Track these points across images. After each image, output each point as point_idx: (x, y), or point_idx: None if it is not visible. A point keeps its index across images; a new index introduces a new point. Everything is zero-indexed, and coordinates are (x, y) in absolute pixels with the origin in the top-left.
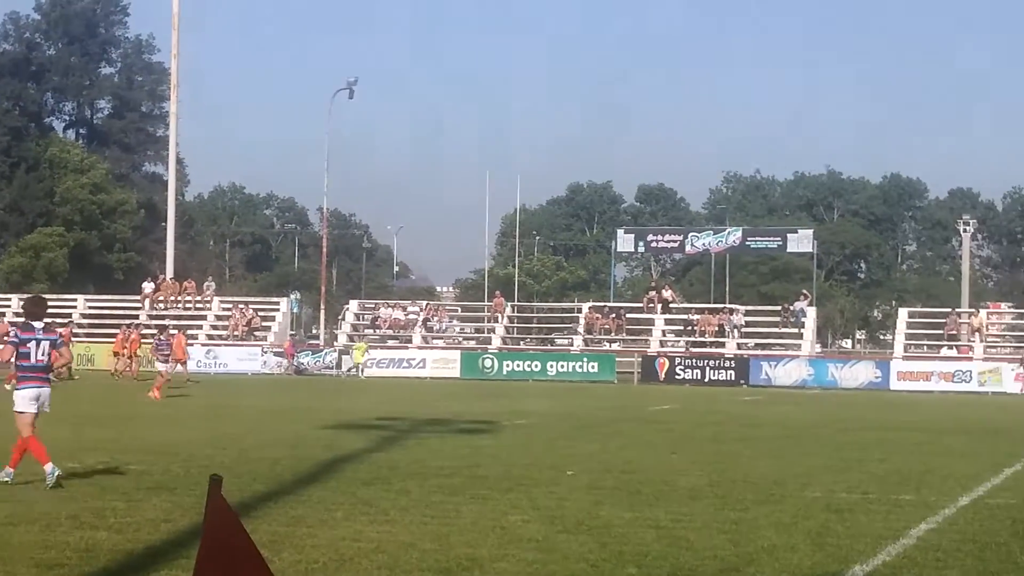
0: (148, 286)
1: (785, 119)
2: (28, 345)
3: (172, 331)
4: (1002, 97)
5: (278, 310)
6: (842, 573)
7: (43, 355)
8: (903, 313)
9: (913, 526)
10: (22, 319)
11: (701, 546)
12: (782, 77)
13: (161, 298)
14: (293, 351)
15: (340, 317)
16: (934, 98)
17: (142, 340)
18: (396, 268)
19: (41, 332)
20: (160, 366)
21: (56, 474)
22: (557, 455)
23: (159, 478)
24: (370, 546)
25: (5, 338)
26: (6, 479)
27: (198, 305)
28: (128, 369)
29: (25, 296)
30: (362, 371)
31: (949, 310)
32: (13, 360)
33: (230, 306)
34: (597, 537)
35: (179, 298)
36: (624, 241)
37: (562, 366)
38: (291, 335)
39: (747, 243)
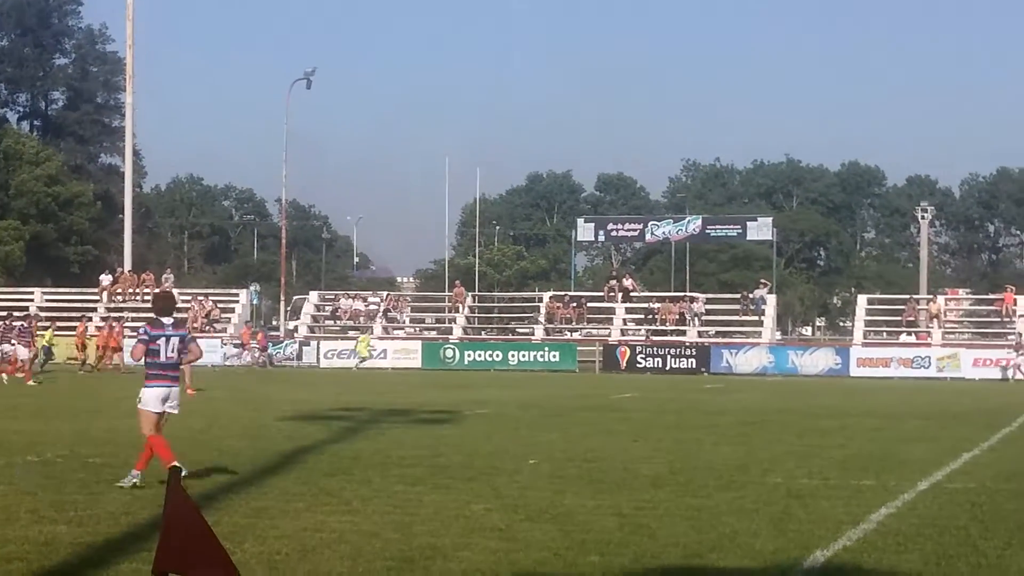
0: (106, 278)
1: (744, 107)
2: (158, 342)
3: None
4: (959, 84)
5: (237, 302)
6: (804, 558)
7: (172, 352)
8: (862, 300)
9: (873, 511)
10: (156, 315)
11: (663, 533)
12: (740, 65)
13: (119, 291)
14: (266, 343)
15: (289, 307)
16: (892, 85)
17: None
18: (356, 259)
19: (171, 328)
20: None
21: (135, 480)
22: (519, 444)
23: (119, 471)
24: (333, 536)
25: (135, 335)
26: (135, 481)
27: None
28: (109, 363)
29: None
30: (362, 362)
31: (908, 297)
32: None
33: (189, 298)
34: (560, 525)
35: (137, 290)
36: (584, 230)
37: (523, 355)
38: (263, 327)
39: (707, 231)
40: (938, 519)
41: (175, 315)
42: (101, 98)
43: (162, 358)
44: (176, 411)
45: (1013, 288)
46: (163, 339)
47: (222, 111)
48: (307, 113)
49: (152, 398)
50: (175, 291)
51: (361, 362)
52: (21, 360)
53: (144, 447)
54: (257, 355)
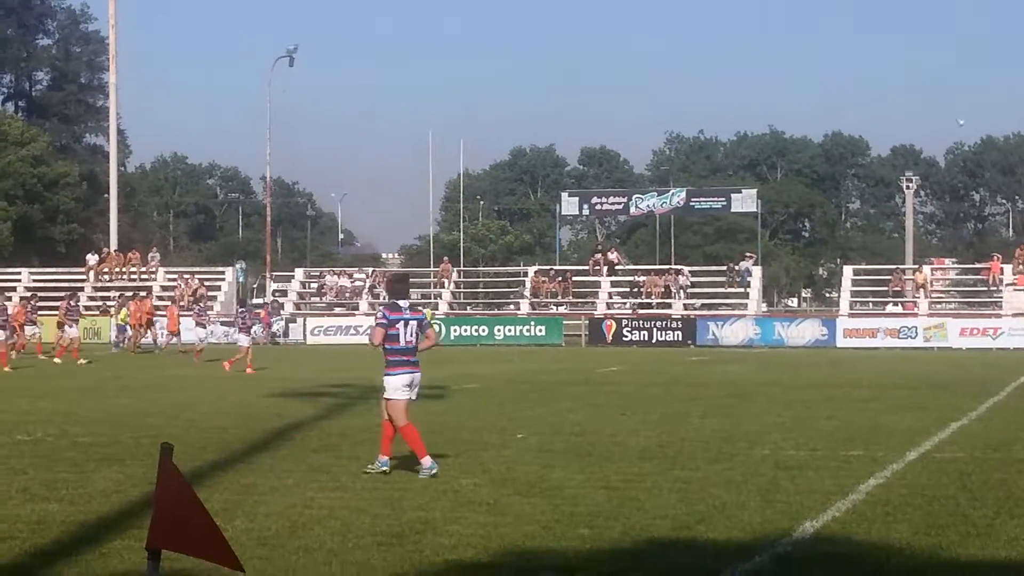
0: (92, 258)
1: (727, 79)
2: (397, 327)
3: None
4: (943, 53)
5: (224, 279)
6: (792, 529)
7: (411, 336)
8: (848, 271)
9: (862, 481)
10: (391, 298)
11: (652, 506)
12: (723, 37)
13: (106, 270)
14: (269, 319)
15: (255, 284)
16: (875, 55)
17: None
18: (341, 236)
19: (408, 311)
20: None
21: (434, 471)
22: (506, 419)
23: (109, 449)
24: (322, 512)
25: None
26: (384, 468)
27: (143, 276)
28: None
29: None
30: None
31: (893, 267)
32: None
33: (175, 276)
34: (548, 499)
35: (124, 270)
36: (568, 204)
37: (509, 330)
38: (265, 303)
39: (691, 204)
40: (927, 489)
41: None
42: (85, 78)
43: (401, 343)
44: (416, 397)
45: (999, 257)
46: (402, 323)
47: (206, 90)
48: (290, 90)
49: (397, 386)
50: (161, 270)
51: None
52: (71, 338)
53: (406, 436)
54: (262, 332)
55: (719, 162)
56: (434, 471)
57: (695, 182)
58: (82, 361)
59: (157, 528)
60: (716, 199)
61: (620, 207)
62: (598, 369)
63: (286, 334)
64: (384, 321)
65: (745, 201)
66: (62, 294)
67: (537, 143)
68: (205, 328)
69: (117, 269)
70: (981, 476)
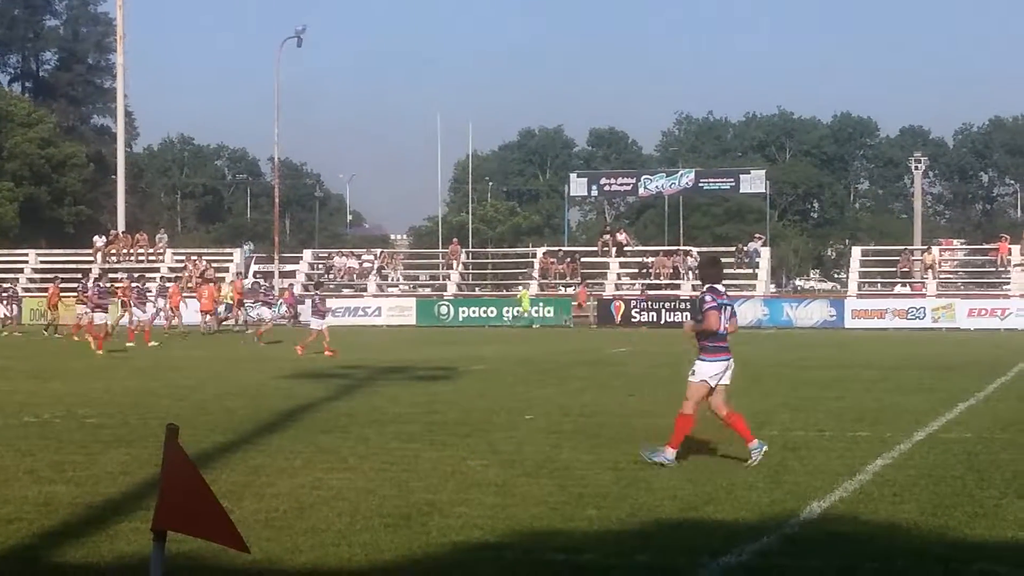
0: (100, 240)
1: (737, 60)
2: (721, 311)
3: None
4: (951, 33)
5: (232, 261)
6: (800, 510)
7: (727, 322)
8: (856, 251)
9: (869, 462)
10: (707, 282)
11: (660, 486)
12: (732, 18)
13: (113, 251)
14: (293, 300)
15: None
16: (884, 36)
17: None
18: (349, 217)
19: (725, 296)
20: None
21: (763, 449)
22: (515, 400)
23: (117, 431)
24: (330, 493)
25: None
26: (763, 449)
27: (151, 257)
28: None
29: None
30: (532, 320)
31: (902, 248)
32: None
33: (183, 258)
34: (556, 480)
35: (131, 251)
36: (577, 185)
37: (518, 311)
38: (289, 284)
39: (700, 185)
40: (934, 469)
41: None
42: (92, 59)
43: (720, 328)
44: (729, 382)
45: (1007, 238)
46: (723, 307)
47: (213, 71)
48: (299, 71)
49: (711, 372)
50: (169, 251)
51: (520, 317)
52: (140, 320)
53: (679, 423)
54: (284, 310)
55: (728, 143)
56: (668, 462)
57: (704, 163)
58: (153, 343)
59: (163, 510)
60: (725, 180)
61: (629, 188)
62: (606, 350)
63: (296, 316)
64: (716, 304)
65: (754, 182)
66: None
67: (546, 124)
68: (270, 308)
69: (125, 250)
70: (988, 457)
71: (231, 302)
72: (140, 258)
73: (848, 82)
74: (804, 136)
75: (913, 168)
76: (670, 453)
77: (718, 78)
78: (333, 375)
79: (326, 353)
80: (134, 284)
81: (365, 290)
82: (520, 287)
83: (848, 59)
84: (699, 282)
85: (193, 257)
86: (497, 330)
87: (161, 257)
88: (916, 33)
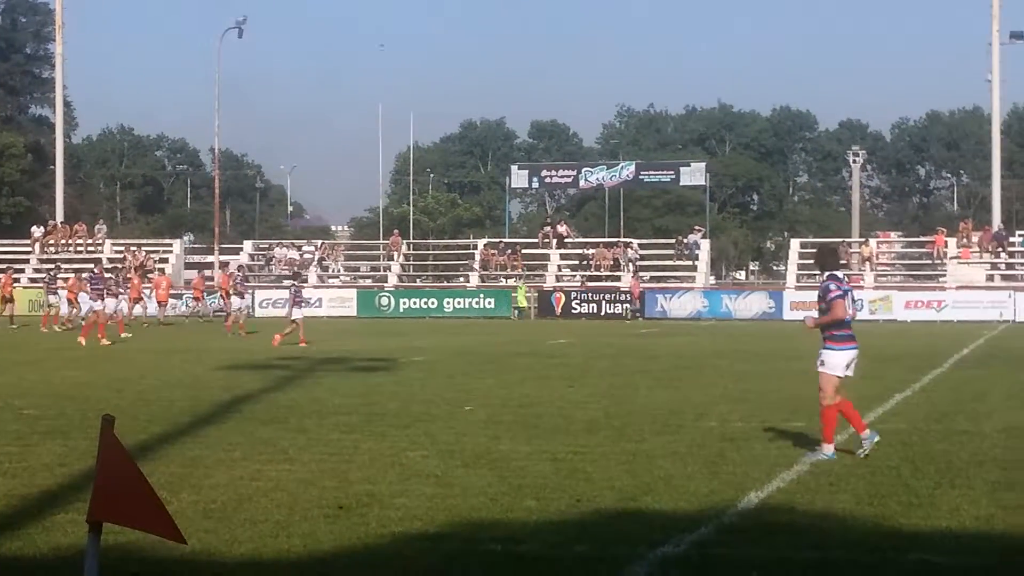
0: (38, 230)
1: (677, 53)
2: (846, 298)
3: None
4: (889, 28)
5: (171, 252)
6: (738, 500)
7: (851, 309)
8: (795, 244)
9: (807, 452)
10: (827, 270)
11: (599, 477)
12: (673, 11)
13: (52, 242)
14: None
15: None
16: (822, 30)
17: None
18: (290, 208)
19: (846, 283)
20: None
21: (875, 439)
22: (455, 391)
23: (54, 422)
24: (269, 485)
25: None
26: (874, 440)
27: (89, 248)
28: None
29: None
30: (530, 314)
31: (840, 240)
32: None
33: (122, 249)
34: (496, 471)
35: (70, 241)
36: (518, 177)
37: (459, 303)
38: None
39: (640, 177)
40: (870, 460)
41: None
42: (31, 49)
43: (847, 316)
44: (853, 374)
45: (944, 231)
46: (845, 295)
47: (154, 61)
48: (239, 62)
49: (841, 363)
50: (108, 242)
51: (520, 314)
52: (237, 309)
53: (825, 416)
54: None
55: (668, 136)
56: (830, 456)
57: (644, 155)
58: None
59: (98, 501)
60: (665, 172)
61: (570, 180)
62: (547, 341)
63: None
64: (840, 292)
65: (694, 174)
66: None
67: (487, 116)
68: (243, 297)
69: (63, 241)
70: (923, 447)
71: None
72: (79, 249)
73: (787, 76)
74: (744, 129)
75: (851, 161)
76: (828, 449)
77: (659, 71)
78: (272, 366)
79: (301, 344)
80: (108, 275)
81: (306, 281)
82: (516, 281)
83: (787, 53)
84: (818, 272)
85: (132, 248)
86: (438, 321)
87: (100, 248)
88: (854, 27)
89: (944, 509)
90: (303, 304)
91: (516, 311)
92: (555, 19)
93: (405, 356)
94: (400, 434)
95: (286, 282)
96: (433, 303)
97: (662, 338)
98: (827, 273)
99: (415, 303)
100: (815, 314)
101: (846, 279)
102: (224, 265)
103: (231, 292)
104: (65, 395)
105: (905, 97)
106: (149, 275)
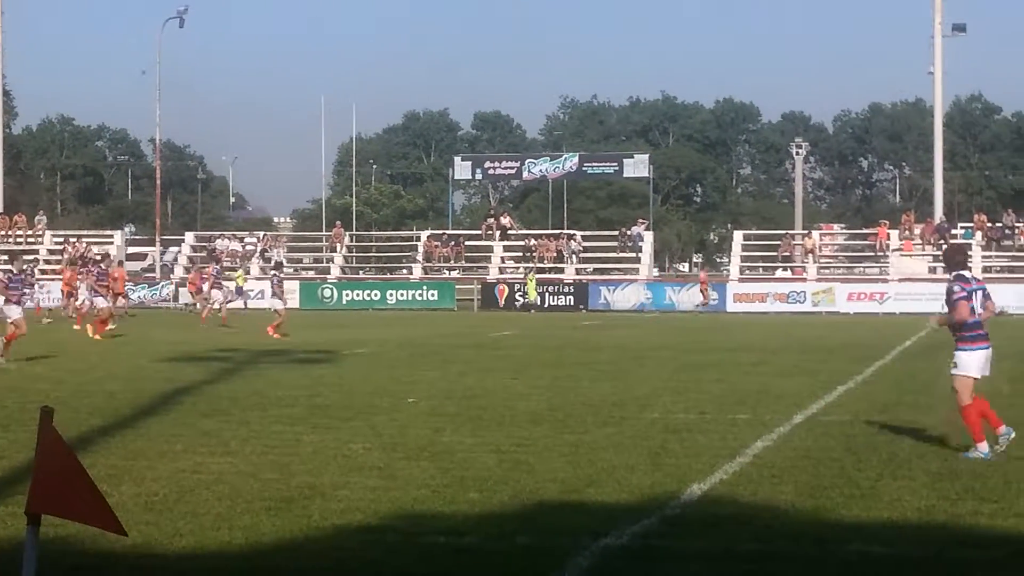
0: None
1: (620, 44)
2: (971, 299)
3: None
4: (832, 21)
5: (112, 243)
6: (681, 491)
7: (981, 308)
8: (738, 236)
9: (749, 444)
10: (954, 270)
11: (542, 469)
12: (617, 2)
13: None
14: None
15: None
16: (764, 22)
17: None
18: (232, 199)
19: (975, 281)
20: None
21: (1011, 435)
22: (398, 383)
23: None
24: (211, 477)
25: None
26: (982, 455)
27: (29, 239)
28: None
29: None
30: (536, 303)
31: (783, 232)
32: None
33: (61, 240)
34: (439, 463)
35: (10, 232)
36: (461, 168)
37: (402, 295)
38: (203, 267)
39: (584, 169)
40: (813, 451)
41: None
42: None
43: (972, 317)
44: (988, 373)
45: (887, 223)
46: (975, 294)
47: (94, 50)
48: (181, 52)
49: (976, 363)
50: (48, 233)
51: (527, 302)
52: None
53: (968, 417)
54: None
55: (612, 127)
56: (986, 455)
57: (588, 147)
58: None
59: (37, 493)
60: (608, 164)
61: (513, 172)
62: (490, 333)
63: (176, 298)
64: (965, 294)
65: (637, 166)
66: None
67: (431, 107)
68: (221, 291)
69: (2, 232)
70: (866, 439)
71: (241, 284)
72: (19, 240)
73: (730, 68)
74: (687, 121)
75: (794, 153)
76: (983, 447)
77: (602, 62)
78: (214, 358)
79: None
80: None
81: (248, 273)
82: (527, 272)
83: (730, 45)
84: (945, 271)
85: (72, 239)
86: (381, 313)
87: (40, 239)
88: (796, 19)
89: (886, 500)
90: (284, 295)
91: (526, 301)
92: (499, 10)
93: (348, 348)
94: (343, 426)
95: (270, 272)
96: (376, 295)
97: (605, 330)
98: (954, 273)
99: (358, 295)
100: (943, 311)
101: (974, 279)
102: (204, 260)
103: (212, 286)
104: (5, 387)
105: (848, 89)
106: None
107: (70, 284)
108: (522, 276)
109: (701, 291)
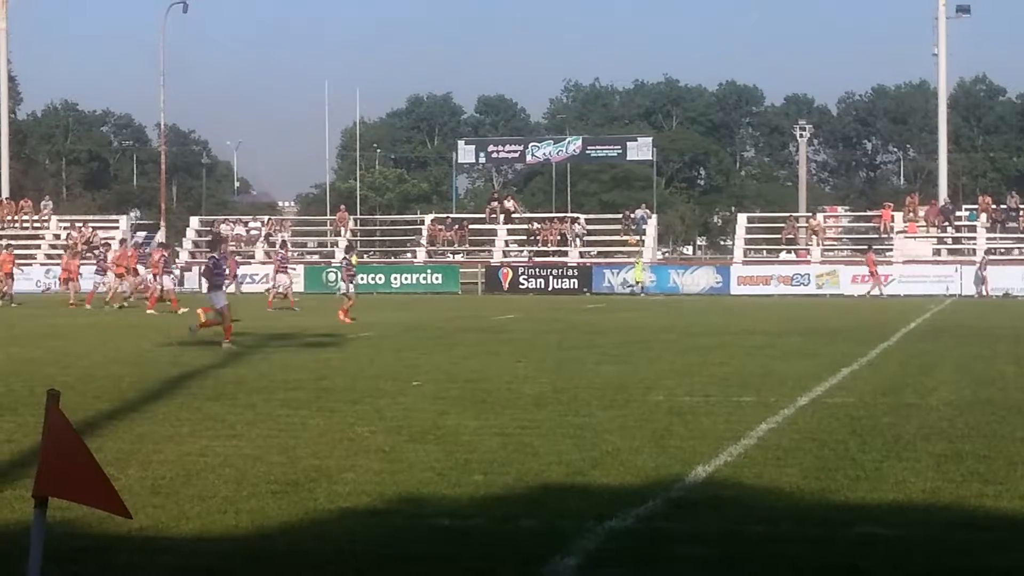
0: None
1: (623, 27)
2: None
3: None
4: (834, 2)
5: (117, 228)
6: (685, 474)
7: None
8: (742, 219)
9: (754, 426)
10: None
11: (546, 452)
12: None
13: None
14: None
15: (281, 244)
16: (768, 3)
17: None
18: (237, 184)
19: None
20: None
21: None
22: (403, 366)
23: (0, 399)
24: (217, 460)
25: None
26: None
27: (35, 225)
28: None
29: None
30: (643, 289)
31: (787, 215)
32: None
33: (68, 225)
34: (443, 446)
35: (16, 218)
36: (465, 152)
37: (406, 278)
38: (232, 250)
39: (587, 152)
40: (817, 433)
41: None
42: None
43: None
44: None
45: (891, 205)
46: None
47: (98, 35)
48: (185, 37)
49: None
50: (54, 218)
51: (633, 287)
52: (283, 288)
53: None
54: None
55: (615, 111)
56: None
57: (591, 130)
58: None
59: (43, 475)
60: (612, 147)
61: (516, 155)
62: (494, 317)
63: (181, 283)
64: None
65: (641, 149)
66: None
67: (434, 91)
68: (286, 274)
69: (9, 217)
70: (870, 421)
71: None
72: (25, 225)
73: (733, 50)
74: (690, 104)
75: (798, 136)
76: None
77: (605, 46)
78: (219, 342)
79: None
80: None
81: (253, 257)
82: (635, 256)
83: (733, 28)
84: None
85: (78, 224)
86: (385, 297)
87: (46, 224)
88: (800, 1)
89: (891, 482)
90: (355, 279)
91: (635, 285)
92: None
93: (353, 332)
94: (348, 410)
95: (273, 252)
96: (380, 279)
97: (609, 313)
98: None
99: (362, 279)
100: None
101: None
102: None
103: (278, 271)
104: (11, 371)
105: (851, 71)
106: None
107: (68, 270)
108: (631, 261)
109: (871, 273)
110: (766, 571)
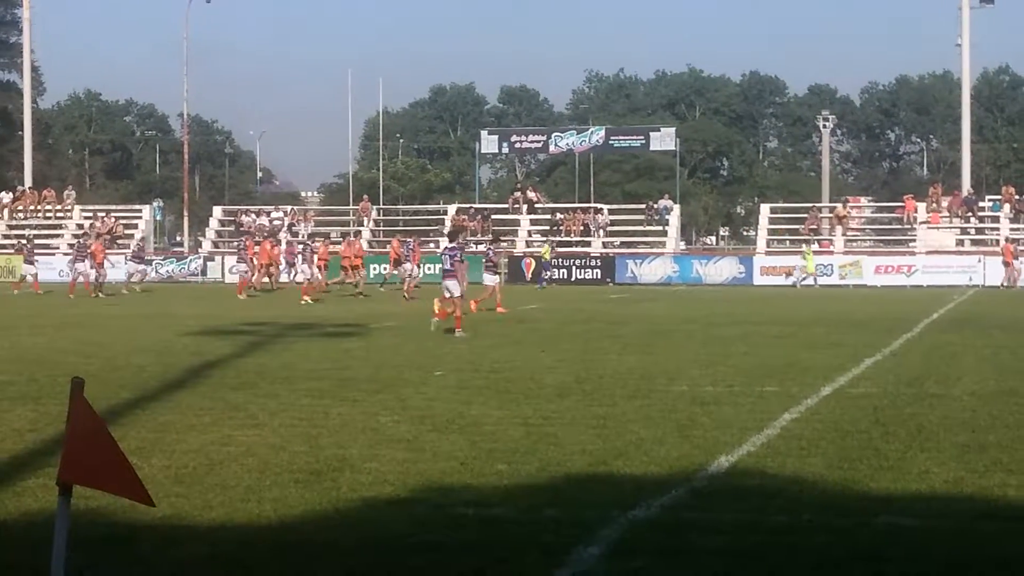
0: (6, 196)
1: (647, 18)
2: None
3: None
4: None
5: (140, 218)
6: (708, 464)
7: None
8: (765, 209)
9: (777, 416)
10: None
11: (569, 441)
12: None
13: (20, 208)
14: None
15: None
16: None
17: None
18: (259, 174)
19: None
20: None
21: None
22: (426, 356)
23: (24, 388)
24: (240, 450)
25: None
26: None
27: (58, 214)
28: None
29: None
30: (815, 280)
31: (810, 205)
32: None
33: (91, 215)
34: (466, 435)
35: (39, 208)
36: (488, 142)
37: (429, 268)
38: (289, 240)
39: (610, 142)
40: (840, 423)
41: None
42: None
43: None
44: None
45: (914, 196)
46: None
47: (121, 25)
48: (208, 27)
49: None
50: (77, 208)
51: (805, 279)
52: (308, 279)
53: None
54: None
55: (638, 101)
56: None
57: (614, 120)
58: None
59: (68, 462)
60: (635, 137)
61: (539, 145)
62: (517, 307)
63: (204, 272)
64: None
65: (664, 139)
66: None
67: (457, 81)
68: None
69: (32, 207)
70: (894, 411)
71: (547, 258)
72: (48, 215)
73: (757, 41)
74: (714, 94)
75: (821, 126)
76: None
77: (629, 36)
78: (241, 332)
79: (499, 309)
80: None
81: (812, 245)
82: (804, 245)
83: (757, 18)
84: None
85: (101, 214)
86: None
87: (69, 214)
88: None
89: (914, 472)
90: (498, 269)
91: (803, 278)
92: None
93: (376, 322)
94: (371, 399)
95: (299, 246)
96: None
97: (632, 304)
98: None
99: (385, 268)
100: None
101: None
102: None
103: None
104: (35, 360)
105: (875, 62)
106: (118, 241)
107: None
108: (800, 251)
109: (1005, 263)
110: (789, 561)
